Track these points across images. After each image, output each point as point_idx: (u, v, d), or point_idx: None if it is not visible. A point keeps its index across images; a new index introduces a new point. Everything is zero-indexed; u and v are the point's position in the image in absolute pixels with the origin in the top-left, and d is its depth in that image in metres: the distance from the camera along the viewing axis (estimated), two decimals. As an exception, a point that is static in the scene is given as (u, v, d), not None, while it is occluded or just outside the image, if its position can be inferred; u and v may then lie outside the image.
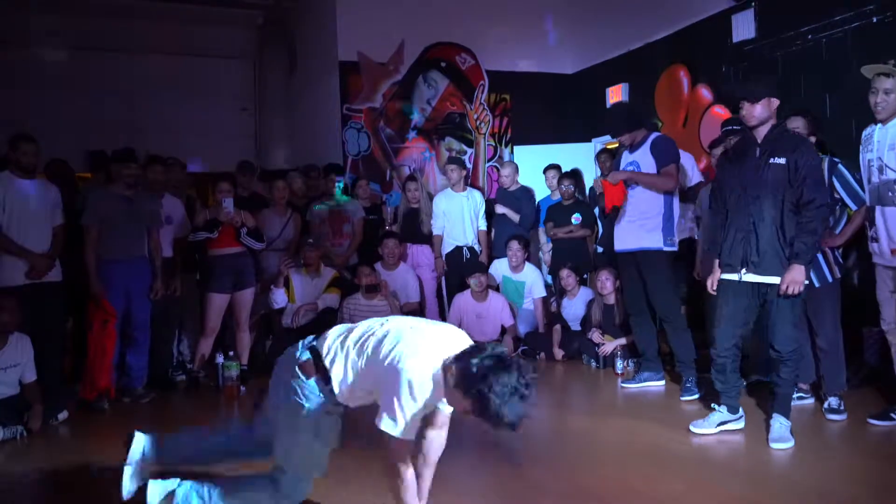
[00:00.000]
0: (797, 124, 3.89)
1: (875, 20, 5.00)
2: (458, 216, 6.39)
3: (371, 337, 2.47)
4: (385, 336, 2.43)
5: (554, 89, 8.35)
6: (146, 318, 4.95)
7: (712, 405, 3.73)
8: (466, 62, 8.13)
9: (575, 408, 4.70)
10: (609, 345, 5.36)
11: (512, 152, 8.22)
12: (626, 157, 4.63)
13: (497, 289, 6.19)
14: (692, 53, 6.68)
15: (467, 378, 2.22)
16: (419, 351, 2.35)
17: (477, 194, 6.58)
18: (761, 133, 3.48)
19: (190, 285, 5.47)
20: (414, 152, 7.92)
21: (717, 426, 3.64)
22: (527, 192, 6.69)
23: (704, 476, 3.10)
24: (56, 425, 4.29)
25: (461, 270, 6.18)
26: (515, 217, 6.50)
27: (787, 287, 3.33)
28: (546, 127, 8.07)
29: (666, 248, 4.47)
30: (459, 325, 5.88)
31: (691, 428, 3.67)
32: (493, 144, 8.28)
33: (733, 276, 3.53)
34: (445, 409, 2.56)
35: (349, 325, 2.64)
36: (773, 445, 3.40)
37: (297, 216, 6.03)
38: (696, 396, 4.36)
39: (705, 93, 6.57)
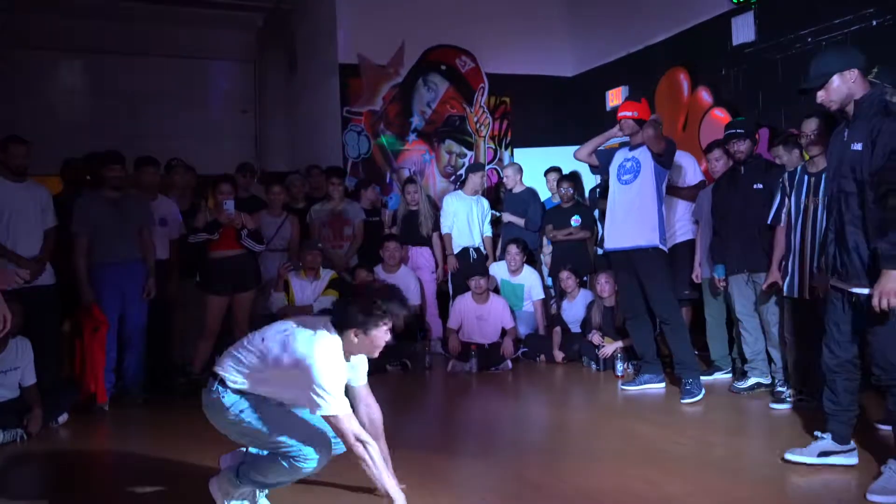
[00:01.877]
0: (812, 126, 3.76)
1: (875, 23, 5.00)
2: (466, 218, 6.44)
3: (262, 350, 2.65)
4: (274, 344, 2.63)
5: (554, 92, 8.36)
6: (142, 320, 4.93)
7: (815, 432, 3.18)
8: (466, 65, 8.14)
9: (575, 410, 4.69)
10: (609, 347, 5.36)
11: (512, 155, 8.22)
12: (625, 153, 4.65)
13: (497, 291, 6.19)
14: (692, 56, 6.68)
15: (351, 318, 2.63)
16: (311, 339, 2.58)
17: (484, 201, 6.64)
18: (850, 112, 2.92)
19: (190, 288, 5.47)
20: (414, 155, 7.92)
21: (818, 455, 3.08)
22: (532, 194, 6.71)
23: (704, 478, 3.09)
24: (56, 428, 4.28)
25: (468, 271, 6.19)
26: (520, 221, 6.53)
27: (881, 299, 2.69)
28: (546, 129, 8.07)
29: (661, 246, 4.48)
30: (460, 327, 5.92)
31: (787, 456, 3.11)
32: (494, 147, 8.28)
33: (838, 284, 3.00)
34: (356, 382, 2.87)
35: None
36: (871, 497, 2.73)
37: (295, 218, 6.02)
38: (698, 398, 4.35)
39: (705, 95, 6.57)
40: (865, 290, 2.81)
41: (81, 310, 4.65)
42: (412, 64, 7.90)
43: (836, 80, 2.88)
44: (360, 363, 2.88)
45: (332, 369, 2.56)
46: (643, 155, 4.51)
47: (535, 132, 8.08)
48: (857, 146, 2.84)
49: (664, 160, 4.47)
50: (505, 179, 6.80)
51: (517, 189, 6.69)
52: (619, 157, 4.69)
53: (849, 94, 2.89)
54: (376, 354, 2.78)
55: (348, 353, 2.68)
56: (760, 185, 4.32)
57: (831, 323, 3.03)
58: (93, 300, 4.64)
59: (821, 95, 2.93)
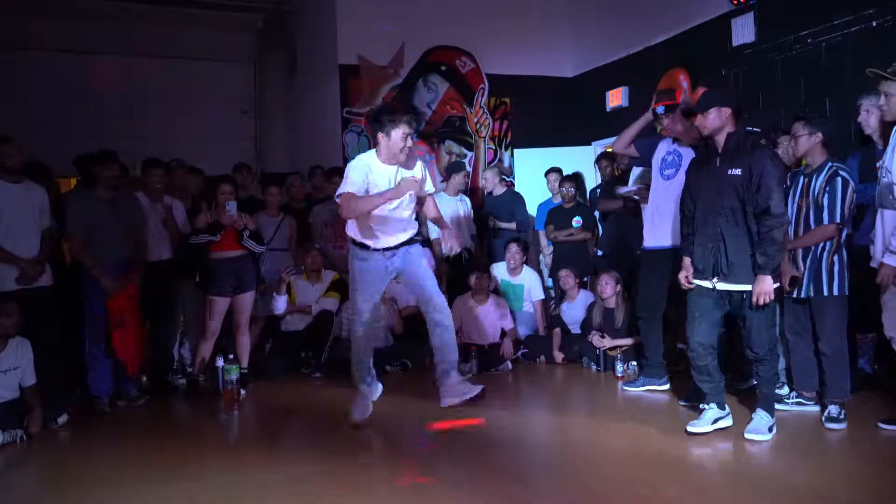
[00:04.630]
0: (796, 128, 3.87)
1: (874, 24, 5.01)
2: (454, 220, 6.41)
3: None
4: None
5: (554, 92, 8.37)
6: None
7: (702, 405, 3.80)
8: (466, 66, 8.14)
9: (575, 411, 4.69)
10: (608, 341, 5.34)
11: (512, 155, 8.23)
12: (667, 145, 4.44)
13: (497, 291, 6.19)
14: (692, 57, 6.68)
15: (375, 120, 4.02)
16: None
17: (468, 200, 6.61)
18: (720, 142, 3.60)
19: (190, 288, 5.47)
20: (414, 155, 7.92)
21: (712, 423, 3.67)
22: (515, 196, 6.69)
23: (706, 481, 3.10)
24: (56, 429, 4.28)
25: (461, 273, 6.18)
26: (512, 225, 6.52)
27: (757, 298, 3.46)
28: (546, 130, 8.09)
29: None
30: (459, 328, 5.90)
31: (688, 429, 3.67)
32: (494, 147, 8.29)
33: (705, 283, 3.65)
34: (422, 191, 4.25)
35: None
36: (747, 435, 3.56)
37: (291, 220, 6.01)
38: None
39: (705, 96, 6.57)
40: (748, 287, 3.50)
41: (112, 301, 4.68)
42: (412, 65, 7.90)
43: (715, 111, 3.55)
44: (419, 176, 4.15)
45: (351, 169, 3.95)
46: (684, 147, 4.30)
47: (535, 132, 8.09)
48: (736, 171, 3.48)
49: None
50: (483, 182, 6.76)
51: (497, 192, 6.67)
52: (661, 150, 4.46)
53: (720, 126, 3.57)
54: (401, 157, 3.95)
55: (384, 156, 3.97)
56: None
57: (700, 314, 3.67)
58: (112, 286, 4.64)
59: (703, 120, 3.58)
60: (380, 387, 4.37)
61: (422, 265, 4.18)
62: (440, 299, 4.20)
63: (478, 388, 3.98)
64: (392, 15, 7.66)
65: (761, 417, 3.63)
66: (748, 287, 3.51)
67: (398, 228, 4.13)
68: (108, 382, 4.72)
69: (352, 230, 4.14)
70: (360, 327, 4.16)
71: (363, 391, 4.20)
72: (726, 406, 3.74)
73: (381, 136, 3.95)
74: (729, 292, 3.60)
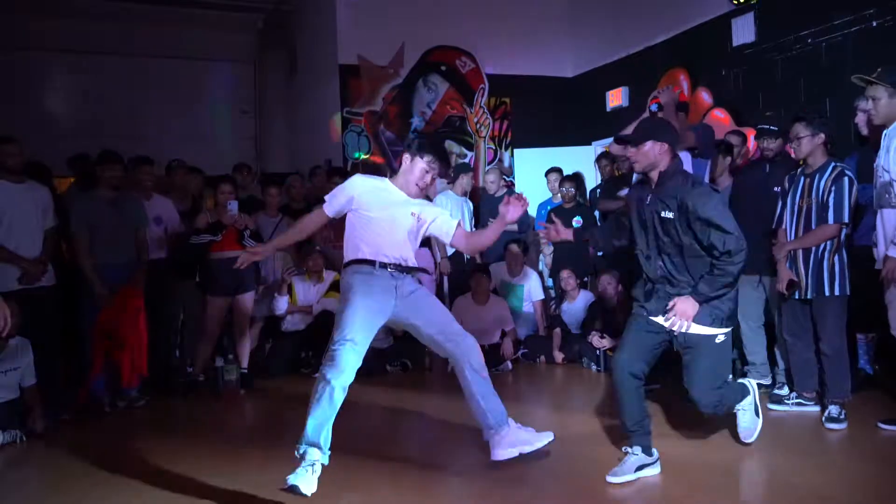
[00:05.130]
0: (798, 130, 3.87)
1: (875, 24, 5.01)
2: (458, 219, 6.40)
3: None
4: None
5: (554, 92, 8.37)
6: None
7: (624, 448, 3.22)
8: (466, 66, 8.14)
9: (575, 411, 4.69)
10: (608, 341, 5.34)
11: (512, 155, 8.23)
12: None
13: (496, 291, 6.19)
14: (692, 57, 6.69)
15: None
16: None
17: (470, 203, 6.60)
18: (653, 179, 3.17)
19: (189, 289, 5.47)
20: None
21: (635, 472, 3.11)
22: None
23: (705, 480, 3.09)
24: (56, 428, 4.28)
25: (463, 272, 6.18)
26: (513, 227, 6.51)
27: (674, 313, 3.07)
28: (546, 130, 8.09)
29: None
30: (460, 328, 5.90)
31: (608, 479, 3.09)
32: (494, 147, 8.29)
33: (643, 312, 3.25)
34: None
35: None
36: (746, 441, 3.42)
37: (290, 220, 6.00)
38: None
39: (705, 96, 6.58)
40: (701, 329, 3.10)
41: (120, 297, 4.67)
42: (412, 65, 7.91)
43: (650, 144, 3.10)
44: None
45: (343, 184, 3.34)
46: (682, 151, 4.30)
47: (535, 132, 8.09)
48: (669, 215, 3.08)
49: (699, 150, 4.35)
50: (489, 186, 6.75)
51: (498, 193, 6.67)
52: None
53: (653, 163, 3.12)
54: (413, 188, 3.30)
55: (404, 179, 3.32)
56: (778, 189, 4.26)
57: (639, 346, 3.20)
58: (105, 293, 4.64)
59: (635, 154, 3.14)
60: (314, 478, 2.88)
61: (433, 299, 3.42)
62: (470, 340, 3.31)
63: (546, 437, 3.26)
64: (392, 15, 7.66)
65: (742, 413, 3.41)
66: (698, 329, 3.09)
67: (402, 247, 3.31)
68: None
69: (346, 252, 3.33)
70: (336, 377, 2.91)
71: (315, 456, 2.93)
72: (654, 451, 3.18)
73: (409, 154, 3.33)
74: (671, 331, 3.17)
